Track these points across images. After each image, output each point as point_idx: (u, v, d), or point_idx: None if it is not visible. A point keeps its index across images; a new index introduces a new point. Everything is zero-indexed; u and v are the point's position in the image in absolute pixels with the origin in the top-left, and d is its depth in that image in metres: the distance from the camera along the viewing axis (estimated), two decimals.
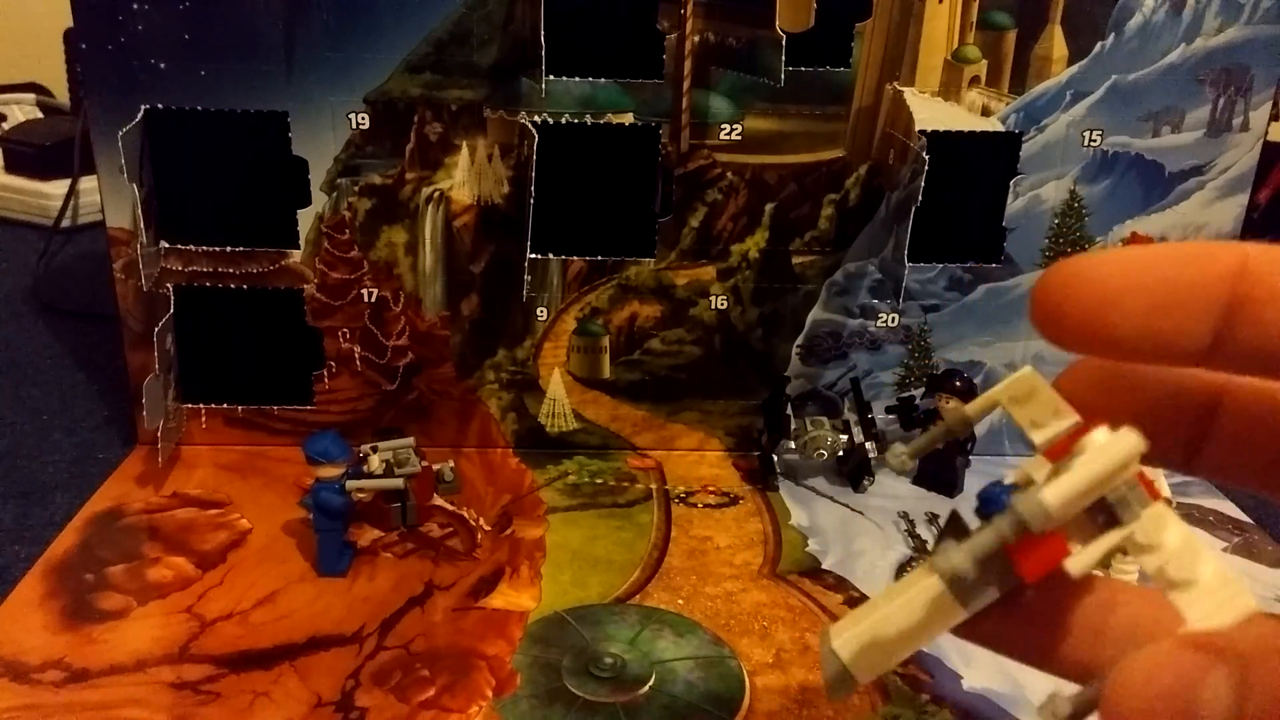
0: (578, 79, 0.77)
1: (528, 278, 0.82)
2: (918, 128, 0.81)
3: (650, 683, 0.65)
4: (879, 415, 0.90)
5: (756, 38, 0.80)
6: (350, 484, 0.73)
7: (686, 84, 0.81)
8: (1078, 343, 0.26)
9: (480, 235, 0.86)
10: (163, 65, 0.78)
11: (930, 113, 0.82)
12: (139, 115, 0.78)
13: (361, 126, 0.82)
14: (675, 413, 0.93)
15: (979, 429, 0.90)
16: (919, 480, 0.90)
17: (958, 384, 0.86)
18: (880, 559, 0.79)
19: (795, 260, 0.88)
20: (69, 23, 0.78)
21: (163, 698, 0.62)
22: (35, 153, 1.47)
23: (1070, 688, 0.27)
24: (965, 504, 0.87)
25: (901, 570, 0.77)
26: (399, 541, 0.78)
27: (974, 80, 0.83)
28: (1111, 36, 0.83)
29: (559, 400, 0.92)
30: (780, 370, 0.91)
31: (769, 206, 0.86)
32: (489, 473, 0.89)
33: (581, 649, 0.67)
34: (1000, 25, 0.82)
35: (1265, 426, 0.28)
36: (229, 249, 0.84)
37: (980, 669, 0.67)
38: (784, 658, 0.67)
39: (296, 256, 0.85)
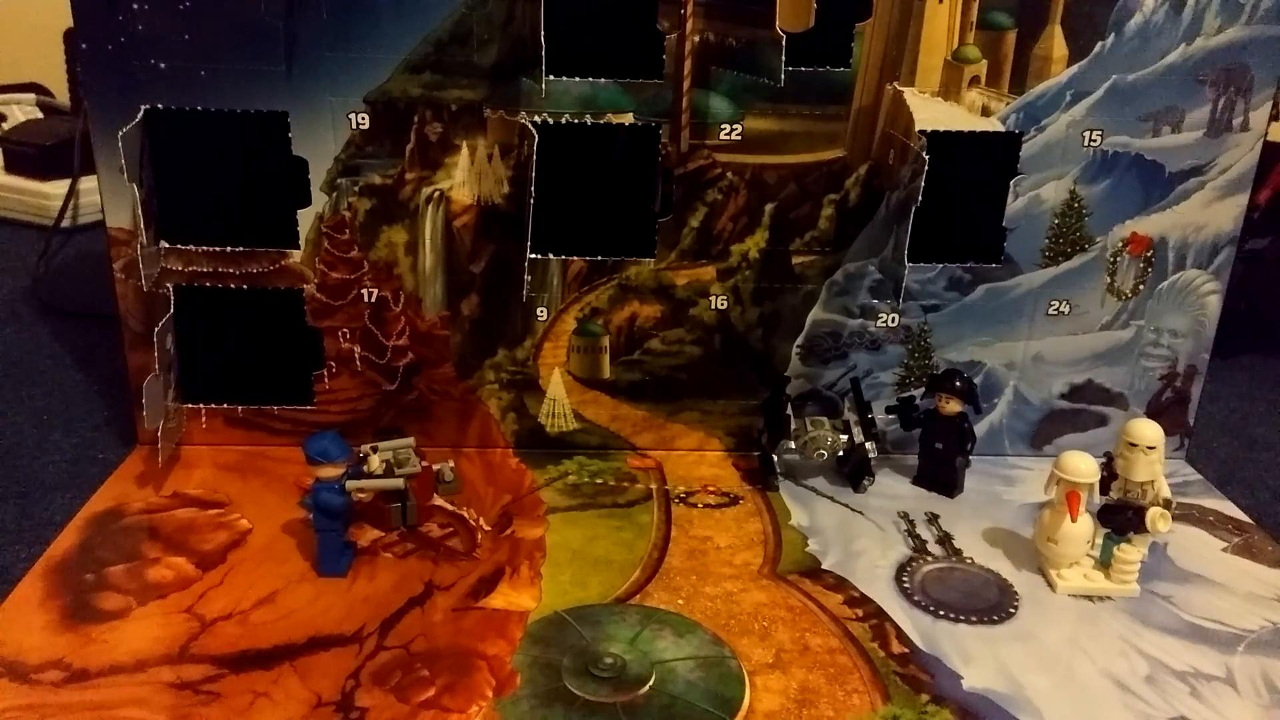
0: (578, 79, 0.77)
1: (528, 278, 0.82)
2: (918, 128, 0.81)
3: (650, 683, 0.65)
4: (879, 415, 0.90)
5: (756, 38, 0.80)
6: (350, 484, 0.73)
7: (686, 84, 0.81)
8: None
9: (480, 235, 0.86)
10: (163, 65, 0.78)
11: (930, 113, 0.82)
12: (139, 115, 0.78)
13: (361, 126, 0.82)
14: (675, 413, 0.93)
15: (979, 429, 0.90)
16: (919, 480, 0.90)
17: (958, 384, 0.86)
18: (880, 559, 0.79)
19: (795, 260, 0.88)
20: (69, 23, 0.79)
21: (163, 698, 0.62)
22: (35, 153, 1.48)
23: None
24: (966, 503, 0.88)
25: (901, 570, 0.78)
26: (399, 541, 0.78)
27: (974, 80, 0.83)
28: (1111, 36, 0.83)
29: (559, 400, 0.92)
30: (780, 370, 0.91)
31: (769, 206, 0.86)
32: (489, 473, 0.89)
33: (581, 649, 0.67)
34: (1000, 25, 0.82)
35: None
36: (229, 249, 0.84)
37: (980, 669, 0.67)
38: (784, 658, 0.67)
39: (296, 256, 0.85)
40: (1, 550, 0.76)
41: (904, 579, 0.76)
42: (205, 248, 0.84)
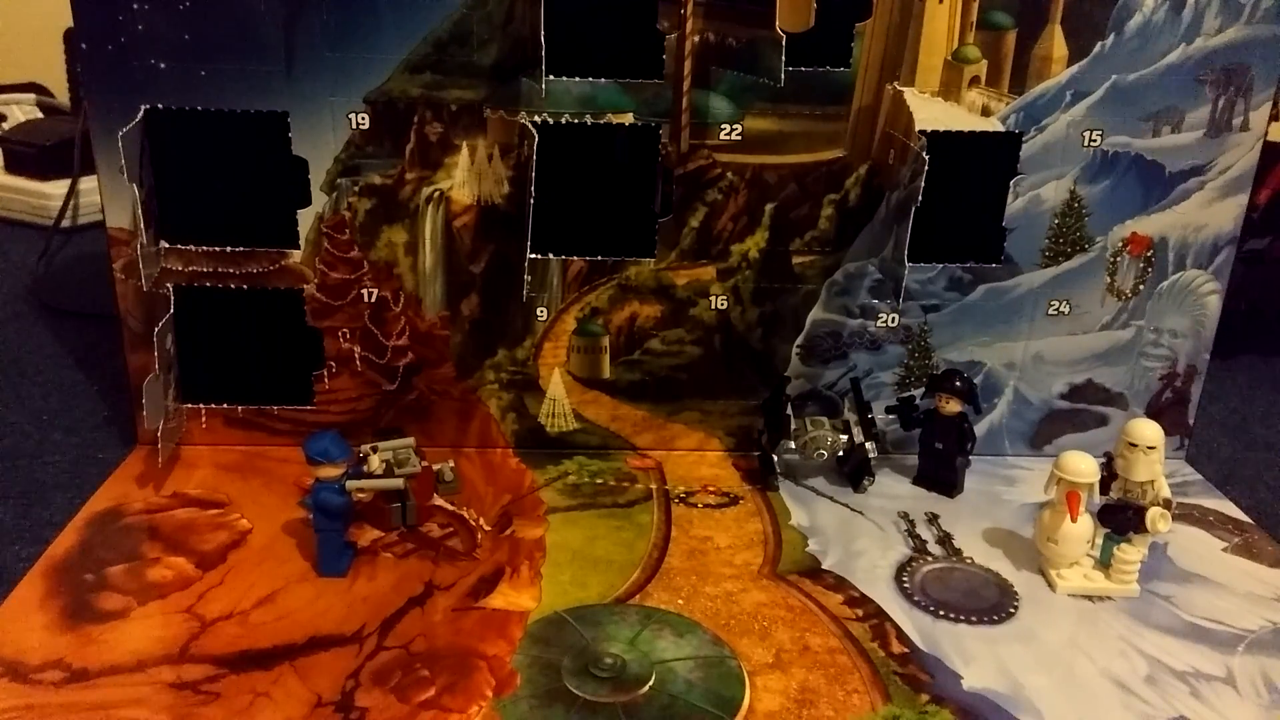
0: (578, 79, 0.77)
1: (528, 278, 0.82)
2: (918, 128, 0.81)
3: (650, 683, 0.65)
4: (879, 415, 0.90)
5: (756, 38, 0.80)
6: (350, 484, 0.73)
7: (686, 84, 0.81)
8: None
9: (480, 235, 0.86)
10: (163, 65, 0.78)
11: (930, 113, 0.82)
12: (139, 115, 0.78)
13: (361, 126, 0.82)
14: (675, 413, 0.93)
15: (979, 429, 0.90)
16: (919, 480, 0.90)
17: (958, 384, 0.86)
18: (880, 559, 0.79)
19: (795, 260, 0.88)
20: (69, 23, 0.79)
21: (163, 698, 0.62)
22: (35, 153, 1.48)
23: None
24: (966, 503, 0.88)
25: (901, 570, 0.77)
26: (399, 541, 0.78)
27: (974, 80, 0.83)
28: (1111, 36, 0.83)
29: (559, 400, 0.92)
30: (780, 370, 0.91)
31: (769, 206, 0.86)
32: (489, 473, 0.89)
33: (581, 649, 0.67)
34: (1000, 25, 0.82)
35: None
36: (229, 249, 0.84)
37: (980, 669, 0.67)
38: (784, 658, 0.67)
39: (296, 256, 0.85)
40: (1, 550, 0.76)
41: (904, 579, 0.76)
42: (205, 248, 0.84)
